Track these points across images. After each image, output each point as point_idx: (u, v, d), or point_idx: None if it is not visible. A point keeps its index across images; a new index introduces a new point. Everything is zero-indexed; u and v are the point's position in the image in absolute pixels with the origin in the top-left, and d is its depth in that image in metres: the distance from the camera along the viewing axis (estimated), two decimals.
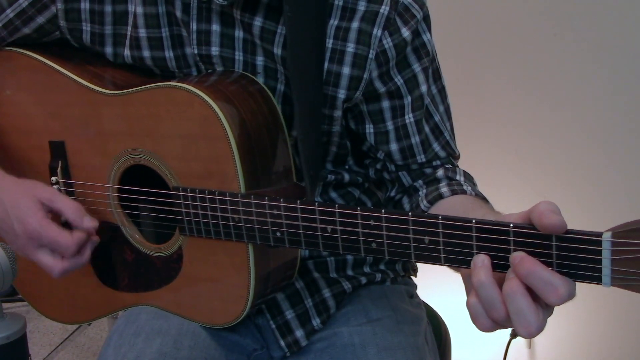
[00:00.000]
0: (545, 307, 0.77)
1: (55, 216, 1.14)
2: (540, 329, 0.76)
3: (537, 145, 2.16)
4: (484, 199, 1.12)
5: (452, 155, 1.23)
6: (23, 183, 1.16)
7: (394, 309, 1.26)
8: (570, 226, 0.76)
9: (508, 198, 2.09)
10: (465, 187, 1.13)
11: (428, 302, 1.46)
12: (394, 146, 1.17)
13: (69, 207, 1.12)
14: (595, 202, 2.10)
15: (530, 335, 0.76)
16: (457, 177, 1.17)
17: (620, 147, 2.05)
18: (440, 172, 1.18)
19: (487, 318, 0.80)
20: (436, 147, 1.20)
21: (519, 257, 0.77)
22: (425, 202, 1.13)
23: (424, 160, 1.19)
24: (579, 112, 2.08)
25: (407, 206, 1.20)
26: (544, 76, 2.10)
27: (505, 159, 2.21)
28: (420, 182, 1.20)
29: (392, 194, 1.23)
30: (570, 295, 0.75)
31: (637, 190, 2.05)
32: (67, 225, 1.13)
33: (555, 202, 0.77)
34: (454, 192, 1.12)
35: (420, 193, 1.17)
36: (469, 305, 0.81)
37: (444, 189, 1.13)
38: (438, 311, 1.49)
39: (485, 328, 0.81)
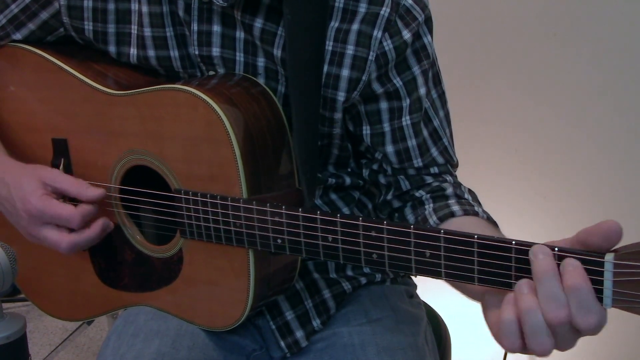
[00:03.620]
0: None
1: (60, 196, 1.15)
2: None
3: (537, 146, 2.16)
4: (494, 224, 1.10)
5: (450, 163, 1.21)
6: (27, 166, 1.18)
7: (394, 309, 1.27)
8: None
9: (508, 198, 2.10)
10: (476, 209, 1.11)
11: (428, 302, 1.46)
12: (389, 148, 1.16)
13: (71, 183, 1.14)
14: (596, 202, 2.10)
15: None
16: (466, 196, 1.16)
17: (621, 147, 2.05)
18: (449, 190, 1.16)
19: (519, 339, 0.79)
20: (434, 152, 1.19)
21: (571, 266, 0.76)
22: (434, 217, 1.11)
23: (420, 165, 1.18)
24: (579, 112, 2.08)
25: (411, 217, 1.18)
26: (544, 76, 2.10)
27: (505, 159, 2.20)
28: (423, 193, 1.18)
29: (389, 197, 1.22)
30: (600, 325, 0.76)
31: (637, 190, 2.05)
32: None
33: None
34: (466, 212, 1.10)
35: (427, 207, 1.15)
36: (504, 321, 0.80)
37: (455, 207, 1.11)
38: (438, 311, 1.49)
39: (514, 348, 0.80)
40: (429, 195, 1.17)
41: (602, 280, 0.73)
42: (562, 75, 2.07)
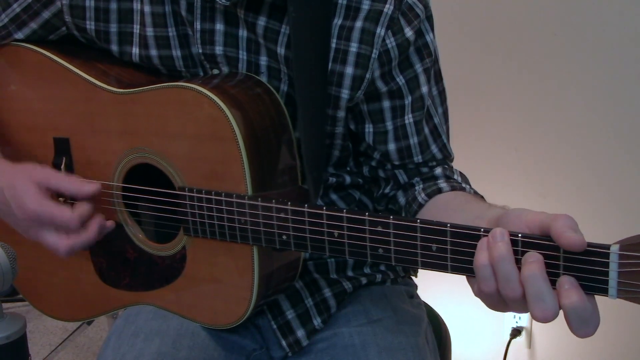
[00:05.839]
0: None
1: (55, 196, 1.13)
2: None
3: (537, 144, 2.16)
4: (481, 197, 1.12)
5: (448, 157, 1.23)
6: (19, 166, 1.15)
7: (395, 309, 1.27)
8: None
9: (508, 197, 2.10)
10: (464, 185, 1.14)
11: (428, 303, 1.46)
12: (391, 146, 1.17)
13: (64, 181, 1.11)
14: (596, 200, 2.10)
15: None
16: (455, 177, 1.18)
17: (620, 146, 2.06)
18: (438, 171, 1.19)
19: (494, 281, 0.80)
20: (434, 149, 1.20)
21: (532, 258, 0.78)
22: (423, 195, 1.14)
23: (420, 160, 1.19)
24: (579, 111, 2.09)
25: (402, 199, 1.20)
26: (544, 76, 2.11)
27: (505, 157, 2.21)
28: (416, 178, 1.20)
29: (387, 190, 1.23)
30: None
31: (637, 189, 2.06)
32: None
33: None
34: (453, 188, 1.13)
35: (416, 187, 1.17)
36: (479, 265, 0.81)
37: (442, 184, 1.14)
38: (438, 311, 1.50)
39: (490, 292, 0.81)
40: (419, 178, 1.19)
41: (608, 271, 0.73)
42: (561, 74, 2.08)
